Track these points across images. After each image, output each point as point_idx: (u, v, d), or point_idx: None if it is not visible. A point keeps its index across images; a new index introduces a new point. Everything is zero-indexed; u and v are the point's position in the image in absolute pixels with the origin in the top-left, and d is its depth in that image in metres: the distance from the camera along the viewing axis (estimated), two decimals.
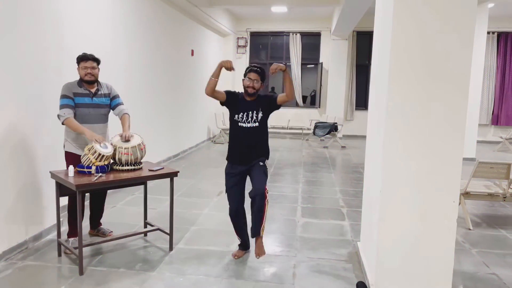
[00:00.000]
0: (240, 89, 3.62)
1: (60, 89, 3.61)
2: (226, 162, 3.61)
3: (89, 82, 3.65)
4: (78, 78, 3.68)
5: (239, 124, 3.48)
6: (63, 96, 3.56)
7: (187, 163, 8.00)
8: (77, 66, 3.65)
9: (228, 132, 3.58)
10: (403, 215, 2.86)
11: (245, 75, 3.48)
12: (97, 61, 3.69)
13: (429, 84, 2.73)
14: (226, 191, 3.61)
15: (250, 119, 3.46)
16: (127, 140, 3.63)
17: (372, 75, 3.48)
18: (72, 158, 3.64)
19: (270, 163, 3.54)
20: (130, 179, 3.49)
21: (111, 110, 3.87)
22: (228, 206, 3.59)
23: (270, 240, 4.03)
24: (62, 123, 3.54)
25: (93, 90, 3.69)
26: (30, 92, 3.79)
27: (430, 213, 2.83)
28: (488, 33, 11.33)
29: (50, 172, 3.54)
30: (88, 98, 3.65)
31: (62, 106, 3.54)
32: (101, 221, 4.13)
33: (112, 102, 3.84)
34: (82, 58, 3.62)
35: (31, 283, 3.12)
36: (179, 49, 8.49)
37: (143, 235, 4.09)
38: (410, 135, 2.79)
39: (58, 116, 3.55)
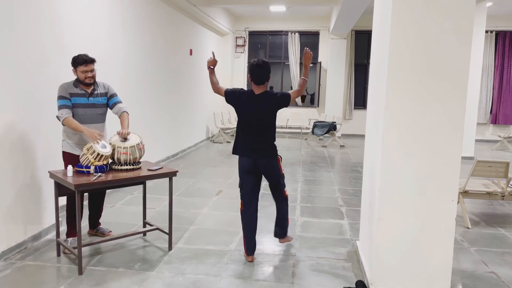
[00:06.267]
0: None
1: (58, 88, 3.61)
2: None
3: (89, 84, 3.65)
4: (74, 78, 3.67)
5: None
6: (60, 97, 3.56)
7: (186, 162, 8.00)
8: (73, 68, 3.61)
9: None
10: (402, 214, 2.87)
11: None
12: (94, 61, 3.67)
13: (427, 83, 2.74)
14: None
15: None
16: (124, 138, 3.63)
17: (371, 74, 3.48)
18: (69, 158, 3.64)
19: None
20: (129, 179, 3.48)
21: (109, 109, 3.87)
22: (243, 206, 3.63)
23: (269, 239, 4.03)
24: (62, 124, 3.55)
25: (89, 90, 3.68)
26: (28, 91, 3.79)
27: (429, 212, 2.84)
28: (487, 32, 11.35)
29: (49, 172, 3.54)
30: (84, 98, 3.64)
31: (60, 107, 3.54)
32: (100, 220, 4.12)
33: (110, 101, 3.83)
34: (81, 63, 3.56)
35: (30, 283, 3.11)
36: (177, 48, 8.48)
37: (142, 234, 4.09)
38: (408, 134, 2.80)
39: (57, 117, 3.55)
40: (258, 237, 3.71)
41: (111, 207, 4.94)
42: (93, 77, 3.64)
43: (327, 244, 4.00)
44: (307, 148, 10.38)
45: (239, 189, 3.62)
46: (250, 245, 3.58)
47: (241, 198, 3.60)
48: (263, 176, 3.64)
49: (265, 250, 3.80)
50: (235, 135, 3.62)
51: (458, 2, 2.66)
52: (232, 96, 3.56)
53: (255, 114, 3.44)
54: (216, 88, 3.68)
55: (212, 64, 3.70)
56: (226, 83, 12.59)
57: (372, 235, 3.04)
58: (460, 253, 3.82)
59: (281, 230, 3.80)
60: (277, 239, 3.88)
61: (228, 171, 7.19)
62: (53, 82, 3.99)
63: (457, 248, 3.90)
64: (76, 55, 3.62)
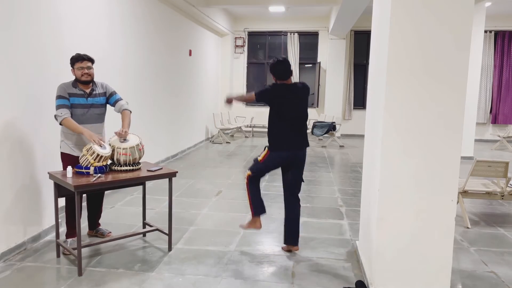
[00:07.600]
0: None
1: (56, 88, 3.61)
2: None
3: (85, 82, 3.64)
4: (73, 78, 3.67)
5: None
6: (59, 97, 3.55)
7: (186, 163, 8.00)
8: (71, 68, 3.64)
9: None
10: (402, 214, 2.87)
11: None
12: (92, 61, 3.68)
13: (426, 84, 2.74)
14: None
15: None
16: (123, 137, 3.63)
17: (370, 74, 3.48)
18: (68, 159, 3.63)
19: None
20: (129, 180, 3.48)
21: (111, 107, 3.86)
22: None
23: (270, 240, 4.03)
24: (60, 123, 3.53)
25: (87, 91, 3.68)
26: (28, 92, 3.78)
27: (428, 212, 2.84)
28: (486, 32, 11.34)
29: (48, 173, 3.54)
30: (83, 99, 3.64)
31: (58, 107, 3.53)
32: (100, 221, 4.12)
33: (110, 99, 3.83)
34: (77, 59, 3.61)
35: (29, 284, 3.11)
36: (177, 49, 8.48)
37: (142, 235, 4.08)
38: (408, 134, 2.80)
39: (55, 116, 3.54)
40: (258, 238, 3.71)
41: (110, 208, 4.94)
42: (90, 74, 3.64)
43: (327, 244, 4.00)
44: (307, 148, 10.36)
45: (254, 162, 3.70)
46: (258, 205, 3.67)
47: (252, 172, 3.66)
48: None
49: (265, 250, 3.80)
50: (271, 133, 3.65)
51: (456, 4, 2.66)
52: (264, 93, 3.63)
53: (293, 102, 3.57)
54: (247, 100, 3.84)
55: (229, 102, 3.81)
56: (225, 83, 12.60)
57: (372, 235, 3.05)
58: (460, 253, 3.82)
59: (294, 235, 3.73)
60: (277, 241, 3.87)
61: (227, 172, 7.19)
62: (52, 82, 3.98)
63: (457, 248, 3.90)
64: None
